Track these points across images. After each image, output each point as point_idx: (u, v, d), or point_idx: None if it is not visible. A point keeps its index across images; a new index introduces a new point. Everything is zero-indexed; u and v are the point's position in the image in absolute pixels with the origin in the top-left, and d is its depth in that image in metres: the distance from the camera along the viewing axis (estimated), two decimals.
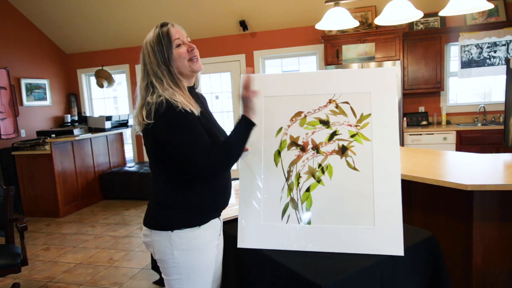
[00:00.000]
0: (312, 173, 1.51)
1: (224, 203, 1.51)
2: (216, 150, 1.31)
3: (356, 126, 1.49)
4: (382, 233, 1.43)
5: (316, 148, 1.51)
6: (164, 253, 1.39)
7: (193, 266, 1.39)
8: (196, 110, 1.33)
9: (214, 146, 1.33)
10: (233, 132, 1.37)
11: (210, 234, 1.44)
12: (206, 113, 1.45)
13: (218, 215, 1.51)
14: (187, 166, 1.31)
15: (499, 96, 4.82)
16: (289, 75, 1.62)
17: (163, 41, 1.35)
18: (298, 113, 1.55)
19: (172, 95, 1.31)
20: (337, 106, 1.52)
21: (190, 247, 1.38)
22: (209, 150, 1.30)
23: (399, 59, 4.61)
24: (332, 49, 4.87)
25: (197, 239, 1.39)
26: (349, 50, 4.56)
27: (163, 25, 1.39)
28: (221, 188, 1.45)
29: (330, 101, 1.53)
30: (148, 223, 1.43)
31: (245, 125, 1.37)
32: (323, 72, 1.62)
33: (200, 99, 1.50)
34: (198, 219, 1.39)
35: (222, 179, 1.45)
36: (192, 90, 1.46)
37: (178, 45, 1.38)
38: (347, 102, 1.52)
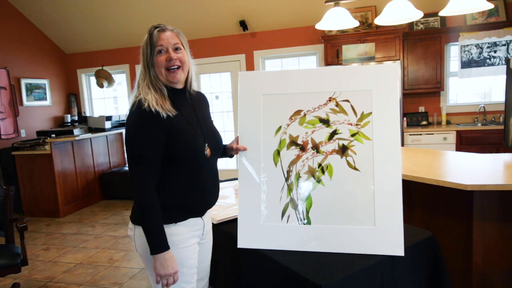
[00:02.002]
0: (312, 173, 1.50)
1: (204, 205, 1.51)
2: (142, 185, 1.33)
3: (356, 125, 1.48)
4: (383, 233, 1.42)
5: (316, 147, 1.51)
6: (143, 248, 1.41)
7: None
8: (166, 113, 1.34)
9: (146, 180, 1.33)
10: (154, 226, 1.34)
11: (188, 232, 1.45)
12: (190, 115, 1.45)
13: (198, 215, 1.50)
14: (128, 165, 1.38)
15: (499, 96, 4.81)
16: (288, 72, 1.59)
17: (149, 45, 1.38)
18: (298, 112, 1.53)
19: (146, 95, 1.36)
20: (337, 105, 1.51)
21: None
22: (144, 172, 1.33)
23: (399, 59, 4.60)
24: (332, 49, 4.87)
25: (172, 236, 1.39)
26: (349, 50, 4.56)
27: (154, 28, 1.39)
28: (199, 189, 1.45)
29: (330, 99, 1.51)
30: (131, 218, 1.48)
31: (151, 244, 1.34)
32: (323, 69, 1.58)
33: (191, 101, 1.50)
34: (173, 216, 1.41)
35: (202, 181, 1.46)
36: (181, 93, 1.47)
37: (159, 52, 1.38)
38: (347, 100, 1.50)
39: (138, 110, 1.34)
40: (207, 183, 1.48)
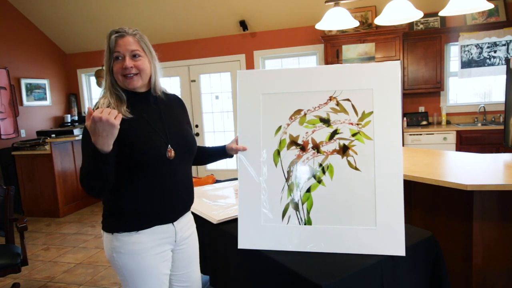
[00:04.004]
0: (312, 173, 1.50)
1: (171, 210, 1.45)
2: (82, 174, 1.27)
3: (357, 124, 1.47)
4: (384, 233, 1.42)
5: (316, 147, 1.50)
6: (108, 255, 1.41)
7: (134, 270, 1.39)
8: (121, 115, 1.31)
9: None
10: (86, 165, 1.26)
11: (152, 240, 1.40)
12: (152, 117, 1.43)
13: (167, 222, 1.45)
14: None
15: (499, 96, 4.81)
16: (288, 71, 1.56)
17: (108, 50, 1.37)
18: (298, 111, 1.52)
19: (102, 99, 1.38)
20: (338, 104, 1.49)
21: (128, 252, 1.37)
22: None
23: (399, 59, 4.60)
24: (332, 49, 4.87)
25: (135, 244, 1.37)
26: (349, 50, 4.56)
27: (111, 33, 1.36)
28: (162, 193, 1.40)
29: (330, 98, 1.50)
30: (102, 223, 1.46)
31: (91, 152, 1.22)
32: (323, 68, 1.55)
33: (156, 104, 1.47)
34: (134, 224, 1.38)
35: (165, 184, 1.40)
36: (144, 96, 1.45)
37: (116, 59, 1.37)
38: (348, 99, 1.48)
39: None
40: (172, 187, 1.43)
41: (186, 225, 1.55)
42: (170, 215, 1.46)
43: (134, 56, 1.37)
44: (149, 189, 1.38)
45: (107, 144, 1.18)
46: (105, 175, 1.25)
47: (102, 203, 1.46)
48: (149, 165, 1.37)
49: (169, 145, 1.41)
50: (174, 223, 1.48)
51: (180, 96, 1.68)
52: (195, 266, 1.62)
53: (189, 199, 1.53)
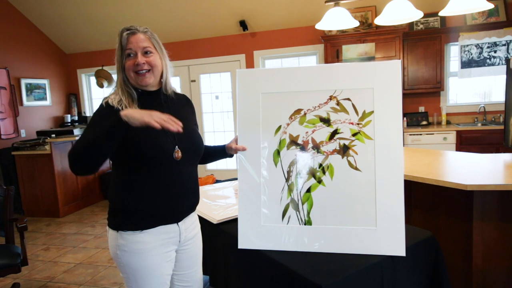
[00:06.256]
0: (312, 174, 1.50)
1: (175, 211, 1.45)
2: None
3: (358, 124, 1.46)
4: (384, 233, 1.42)
5: (316, 147, 1.50)
6: (112, 251, 1.42)
7: (137, 268, 1.39)
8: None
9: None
10: (85, 136, 1.28)
11: (156, 240, 1.40)
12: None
13: (171, 222, 1.44)
14: None
15: (499, 96, 4.81)
16: (287, 70, 1.55)
17: (120, 48, 1.40)
18: (298, 111, 1.52)
19: (114, 95, 1.40)
20: (338, 103, 1.48)
21: (132, 250, 1.38)
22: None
23: (399, 59, 4.60)
24: (332, 49, 4.87)
25: (139, 243, 1.37)
26: (349, 50, 4.56)
27: (123, 31, 1.39)
28: (167, 193, 1.40)
29: (331, 98, 1.49)
30: (107, 220, 1.47)
31: (109, 128, 1.21)
32: (323, 67, 1.55)
33: (166, 103, 1.47)
34: (139, 223, 1.38)
35: (170, 185, 1.40)
36: (154, 95, 1.45)
37: (128, 55, 1.39)
38: (348, 99, 1.48)
39: (100, 104, 1.41)
40: (178, 188, 1.42)
41: (190, 226, 1.55)
42: (175, 216, 1.46)
43: (145, 52, 1.39)
44: (155, 189, 1.38)
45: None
46: (104, 150, 1.24)
47: (108, 200, 1.47)
48: (156, 165, 1.37)
49: (176, 146, 1.41)
50: (179, 223, 1.47)
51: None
52: (198, 266, 1.63)
53: (194, 200, 1.53)
